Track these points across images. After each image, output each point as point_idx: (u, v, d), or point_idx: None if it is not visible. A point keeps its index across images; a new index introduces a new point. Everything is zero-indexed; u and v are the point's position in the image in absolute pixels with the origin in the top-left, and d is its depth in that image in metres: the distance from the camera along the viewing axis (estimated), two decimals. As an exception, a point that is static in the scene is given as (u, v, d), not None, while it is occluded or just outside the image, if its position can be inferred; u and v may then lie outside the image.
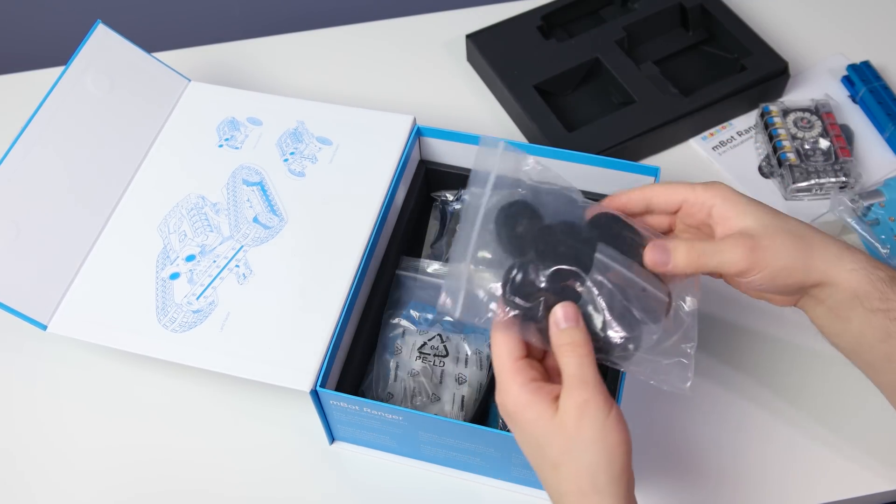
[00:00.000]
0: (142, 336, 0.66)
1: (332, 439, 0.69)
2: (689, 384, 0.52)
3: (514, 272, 0.52)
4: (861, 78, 0.88)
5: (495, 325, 0.52)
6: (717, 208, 0.54)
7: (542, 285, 0.52)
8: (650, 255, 0.53)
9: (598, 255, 0.52)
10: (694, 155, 0.87)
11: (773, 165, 0.83)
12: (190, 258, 0.70)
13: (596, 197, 0.75)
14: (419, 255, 0.77)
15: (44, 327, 0.67)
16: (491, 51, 0.92)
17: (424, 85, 0.95)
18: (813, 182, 0.80)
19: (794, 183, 0.80)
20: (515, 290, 0.52)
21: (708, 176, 0.85)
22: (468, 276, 0.53)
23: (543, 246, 0.53)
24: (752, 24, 0.92)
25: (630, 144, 0.83)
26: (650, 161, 0.87)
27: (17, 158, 0.70)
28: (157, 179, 0.75)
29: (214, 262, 0.69)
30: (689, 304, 0.55)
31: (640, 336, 0.52)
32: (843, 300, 0.53)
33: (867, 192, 0.78)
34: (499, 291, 0.52)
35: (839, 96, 0.89)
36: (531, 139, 0.87)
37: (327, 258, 0.68)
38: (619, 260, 0.53)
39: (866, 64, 0.90)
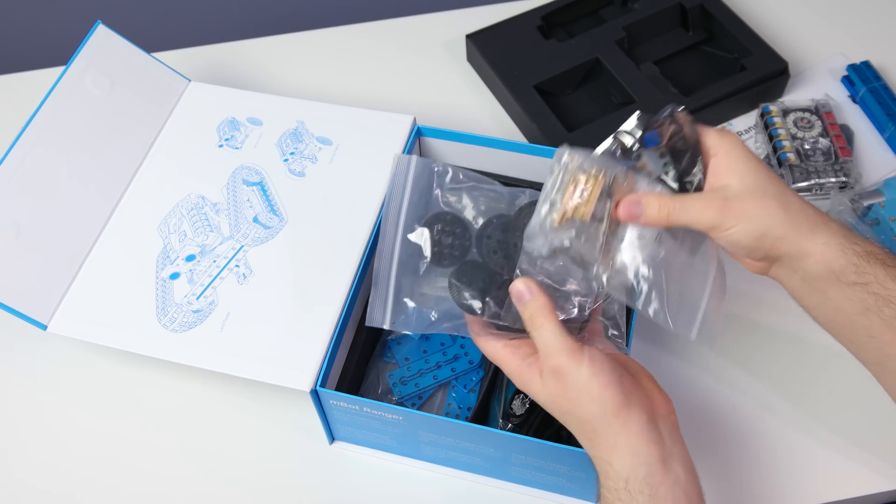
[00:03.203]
0: (142, 336, 0.66)
1: (332, 439, 0.69)
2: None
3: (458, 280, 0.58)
4: (861, 78, 0.88)
5: (473, 331, 0.57)
6: (716, 159, 0.55)
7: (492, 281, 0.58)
8: (623, 209, 0.54)
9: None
10: (694, 155, 0.87)
11: (773, 165, 0.83)
12: (190, 258, 0.70)
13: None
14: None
15: (44, 327, 0.67)
16: (491, 51, 0.92)
17: (424, 85, 0.95)
18: (813, 182, 0.80)
19: (794, 183, 0.80)
20: (479, 293, 0.57)
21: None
22: (394, 289, 0.59)
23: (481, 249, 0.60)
24: (752, 24, 0.92)
25: (630, 144, 0.83)
26: (650, 161, 0.87)
27: (18, 158, 0.70)
28: (158, 179, 0.75)
29: (214, 262, 0.69)
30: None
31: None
32: (817, 272, 0.53)
33: (867, 192, 0.78)
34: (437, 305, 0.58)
35: (839, 96, 0.89)
36: (531, 139, 0.87)
37: (327, 258, 0.68)
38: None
39: (866, 64, 0.90)
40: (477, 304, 0.57)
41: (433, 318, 0.58)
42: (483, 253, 0.60)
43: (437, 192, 0.61)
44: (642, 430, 0.50)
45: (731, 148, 0.55)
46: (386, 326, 0.58)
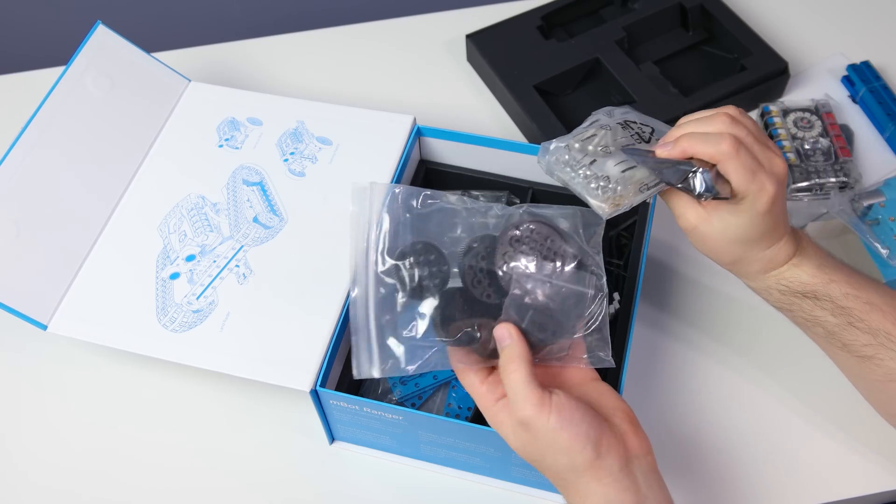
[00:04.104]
0: (142, 336, 0.66)
1: (332, 439, 0.69)
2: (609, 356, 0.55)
3: (441, 313, 0.55)
4: (861, 78, 0.88)
5: (456, 365, 0.54)
6: None
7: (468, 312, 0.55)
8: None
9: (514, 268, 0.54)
10: (694, 155, 0.87)
11: (773, 165, 0.83)
12: (190, 258, 0.70)
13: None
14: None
15: (44, 327, 0.67)
16: (491, 51, 0.92)
17: (424, 85, 0.95)
18: (813, 182, 0.80)
19: (794, 183, 0.80)
20: (453, 327, 0.54)
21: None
22: (377, 333, 0.55)
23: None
24: (752, 24, 0.92)
25: (630, 144, 0.83)
26: (650, 161, 0.87)
27: (18, 158, 0.70)
28: (157, 179, 0.75)
29: (214, 262, 0.69)
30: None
31: (557, 331, 0.54)
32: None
33: (867, 192, 0.78)
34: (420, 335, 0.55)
35: (839, 96, 0.89)
36: (531, 139, 0.88)
37: (327, 258, 0.68)
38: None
39: (866, 64, 0.90)
40: (458, 336, 0.54)
41: (424, 355, 0.54)
42: (468, 282, 0.56)
43: (406, 217, 0.56)
44: (615, 479, 0.50)
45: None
46: (376, 375, 0.54)
